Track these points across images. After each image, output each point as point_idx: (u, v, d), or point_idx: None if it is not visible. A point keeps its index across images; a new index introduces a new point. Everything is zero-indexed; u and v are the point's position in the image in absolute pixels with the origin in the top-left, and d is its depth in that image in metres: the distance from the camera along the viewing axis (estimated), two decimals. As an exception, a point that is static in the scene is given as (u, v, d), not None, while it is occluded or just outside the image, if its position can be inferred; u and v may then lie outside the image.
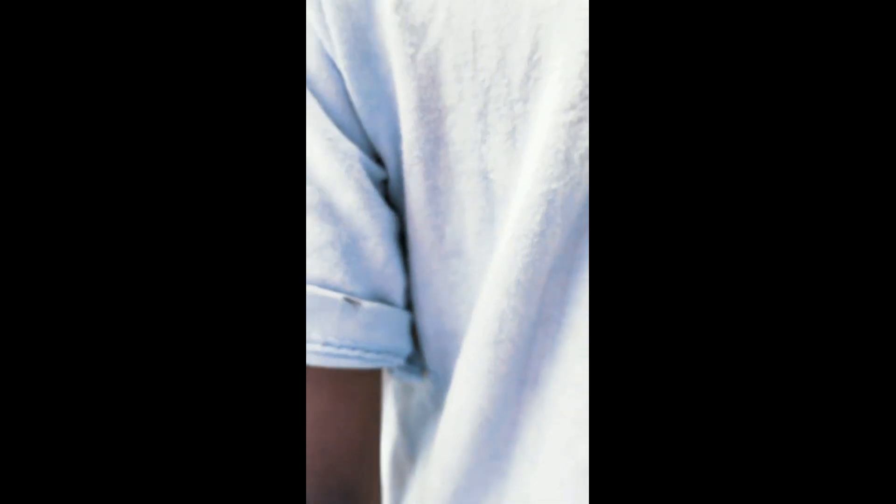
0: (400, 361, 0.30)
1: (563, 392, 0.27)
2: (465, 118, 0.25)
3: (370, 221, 0.27)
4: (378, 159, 0.27)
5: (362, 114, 0.26)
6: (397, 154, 0.27)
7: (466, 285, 0.28)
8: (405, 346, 0.30)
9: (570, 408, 0.27)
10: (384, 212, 0.27)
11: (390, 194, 0.28)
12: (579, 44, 0.23)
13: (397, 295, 0.29)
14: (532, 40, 0.23)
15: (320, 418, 0.27)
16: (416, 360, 0.32)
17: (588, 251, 0.26)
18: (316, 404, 0.28)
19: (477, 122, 0.25)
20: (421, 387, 0.33)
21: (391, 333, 0.28)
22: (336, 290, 0.26)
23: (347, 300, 0.26)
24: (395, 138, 0.26)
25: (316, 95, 0.25)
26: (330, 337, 0.26)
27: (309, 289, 0.26)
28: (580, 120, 0.23)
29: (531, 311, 0.26)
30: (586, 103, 0.23)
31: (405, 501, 0.35)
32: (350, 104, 0.26)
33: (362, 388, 0.30)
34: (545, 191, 0.24)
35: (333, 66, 0.25)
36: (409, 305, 0.30)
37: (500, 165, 0.25)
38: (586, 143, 0.23)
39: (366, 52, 0.25)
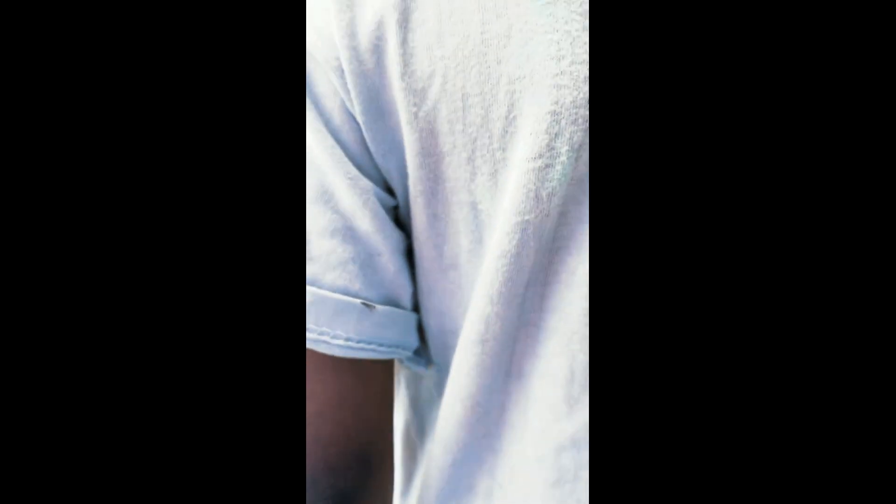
0: (408, 354, 0.36)
1: (542, 383, 0.33)
2: (457, 161, 0.31)
3: (383, 241, 0.33)
4: (390, 191, 0.33)
5: (377, 156, 0.32)
6: (405, 187, 0.33)
7: (461, 293, 0.34)
8: (413, 342, 0.36)
9: (549, 396, 0.33)
10: (394, 233, 0.33)
11: (400, 218, 0.35)
12: (546, 106, 0.28)
13: (406, 300, 0.35)
14: (508, 103, 0.29)
15: (342, 399, 0.34)
16: (423, 353, 0.38)
17: (560, 269, 0.31)
18: (338, 387, 0.34)
19: (467, 164, 0.31)
20: (427, 375, 0.39)
21: (401, 331, 0.35)
22: (355, 296, 0.33)
23: (364, 304, 0.33)
24: (403, 175, 0.32)
25: (340, 143, 0.31)
26: (351, 334, 0.33)
27: (334, 296, 0.32)
28: (546, 166, 0.29)
29: (512, 316, 0.32)
30: (552, 153, 0.29)
31: (415, 472, 0.41)
32: (367, 149, 0.32)
33: (377, 374, 0.36)
34: (520, 221, 0.30)
35: (353, 119, 0.31)
36: (417, 308, 0.37)
37: (485, 199, 0.31)
38: (552, 184, 0.29)
39: (379, 108, 0.31)
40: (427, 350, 0.38)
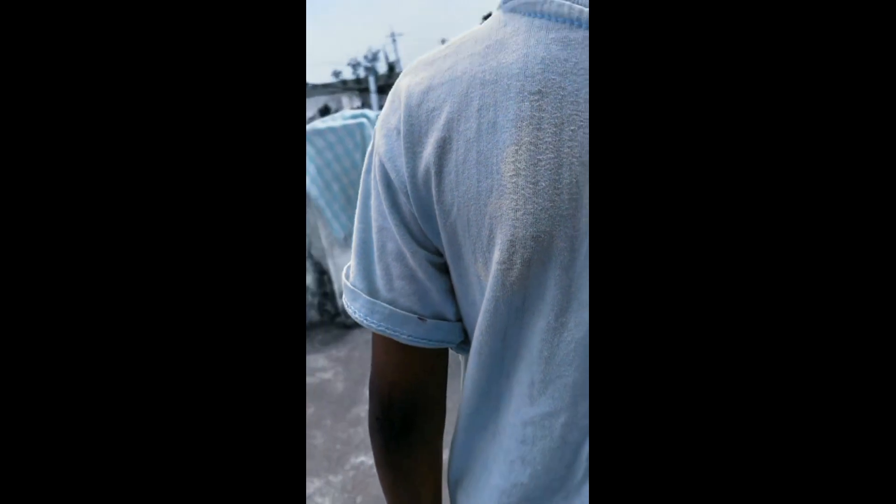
0: (453, 345, 0.60)
1: (518, 385, 0.54)
2: (467, 252, 0.51)
3: (431, 284, 0.56)
4: (440, 254, 0.56)
5: (430, 237, 0.54)
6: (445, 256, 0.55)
7: (477, 319, 0.56)
8: (455, 339, 0.59)
9: (520, 393, 0.54)
10: (440, 278, 0.56)
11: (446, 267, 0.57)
12: (507, 236, 0.47)
13: (450, 315, 0.58)
14: (489, 230, 0.49)
15: (405, 366, 0.59)
16: (466, 344, 0.61)
17: (526, 322, 0.51)
18: (409, 362, 0.59)
19: (472, 255, 0.51)
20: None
21: (444, 334, 0.58)
22: (415, 313, 0.56)
23: (419, 318, 0.57)
24: (442, 251, 0.54)
25: (409, 231, 0.54)
26: (411, 333, 0.57)
27: (402, 312, 0.56)
28: (508, 269, 0.48)
29: (497, 344, 0.53)
30: (510, 262, 0.48)
31: None
32: (424, 233, 0.54)
33: (433, 356, 0.60)
34: (494, 296, 0.50)
35: (416, 218, 0.53)
36: (461, 318, 0.59)
37: (483, 275, 0.51)
38: (512, 279, 0.49)
39: (428, 215, 0.52)
40: (469, 342, 0.61)
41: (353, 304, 0.58)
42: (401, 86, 0.53)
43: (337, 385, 3.22)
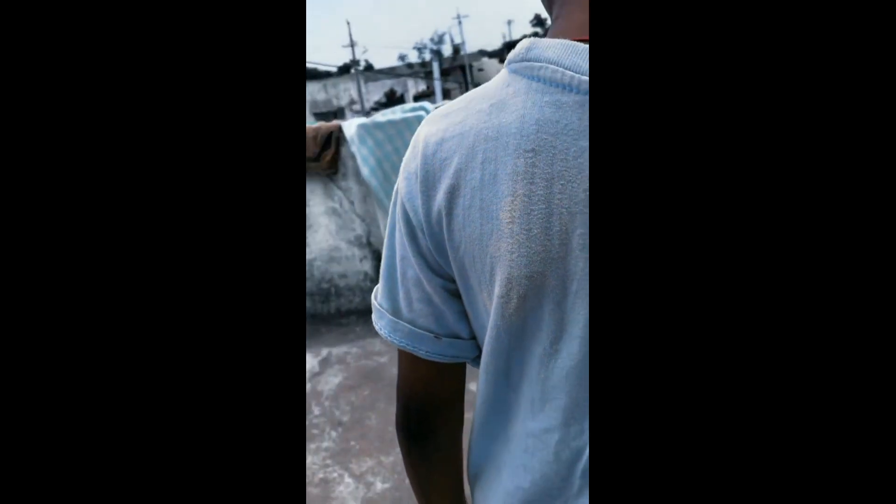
0: (468, 359, 0.67)
1: (523, 399, 0.61)
2: (474, 283, 0.59)
3: (445, 307, 0.63)
4: (454, 281, 0.63)
5: (444, 267, 0.61)
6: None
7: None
8: (469, 354, 0.66)
9: (524, 407, 0.61)
10: (453, 302, 0.63)
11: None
12: (504, 274, 0.54)
13: (465, 334, 0.65)
14: (490, 266, 0.55)
15: (423, 377, 0.67)
16: (480, 358, 0.68)
17: (525, 347, 0.58)
18: (427, 374, 0.67)
19: (477, 286, 0.58)
20: (485, 369, 0.69)
21: (458, 350, 0.65)
22: (431, 332, 0.64)
23: (435, 336, 0.64)
24: (455, 279, 0.61)
25: (426, 262, 0.61)
26: (428, 348, 0.65)
27: (420, 331, 0.64)
28: (506, 302, 0.55)
29: (501, 364, 0.60)
30: (508, 296, 0.55)
31: None
32: (439, 263, 0.61)
33: (449, 369, 0.67)
34: (496, 324, 0.57)
35: (431, 251, 0.61)
36: (475, 336, 0.66)
37: (487, 303, 0.58)
38: (510, 310, 0.55)
39: (442, 250, 0.60)
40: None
41: (379, 322, 0.67)
42: (420, 135, 0.60)
43: (392, 369, 3.36)
